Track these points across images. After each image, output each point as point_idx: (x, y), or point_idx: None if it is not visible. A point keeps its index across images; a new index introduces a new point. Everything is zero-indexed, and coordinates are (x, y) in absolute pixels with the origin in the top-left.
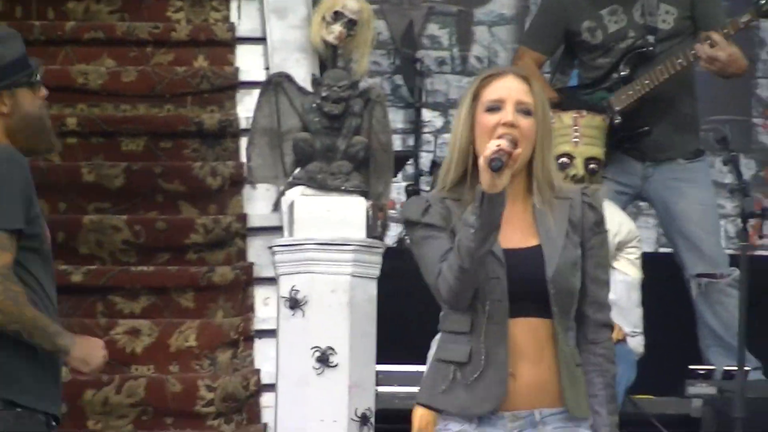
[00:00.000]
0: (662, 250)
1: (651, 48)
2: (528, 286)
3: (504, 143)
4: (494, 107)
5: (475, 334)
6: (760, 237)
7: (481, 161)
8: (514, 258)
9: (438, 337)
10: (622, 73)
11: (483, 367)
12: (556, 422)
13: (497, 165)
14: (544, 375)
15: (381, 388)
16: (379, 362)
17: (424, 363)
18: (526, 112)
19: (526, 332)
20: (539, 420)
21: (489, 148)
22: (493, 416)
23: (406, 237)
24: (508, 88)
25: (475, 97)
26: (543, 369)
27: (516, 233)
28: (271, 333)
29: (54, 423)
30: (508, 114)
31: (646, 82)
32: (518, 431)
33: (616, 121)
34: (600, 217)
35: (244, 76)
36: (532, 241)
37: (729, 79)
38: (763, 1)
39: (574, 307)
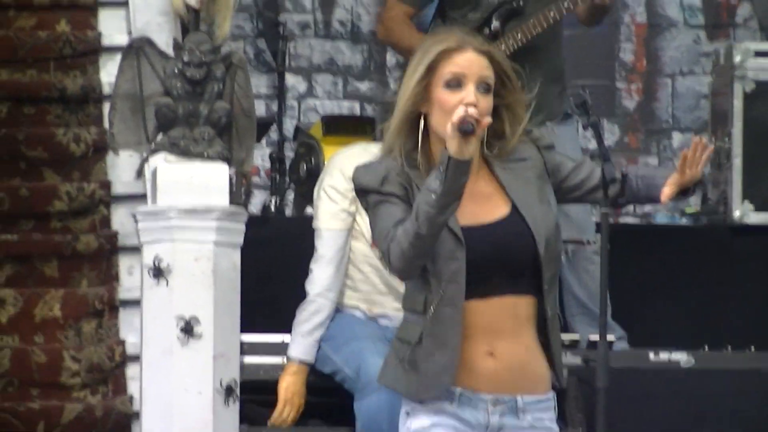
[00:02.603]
0: None
1: (521, 2)
2: (507, 262)
3: (472, 110)
4: (454, 83)
5: (428, 315)
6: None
7: (449, 127)
8: (488, 233)
9: (310, 306)
10: (492, 28)
11: (432, 350)
12: (536, 412)
13: (469, 128)
14: (524, 356)
15: (246, 358)
16: (243, 332)
17: (289, 332)
18: (486, 89)
19: (505, 311)
20: (521, 407)
21: (457, 113)
22: (473, 397)
23: (364, 204)
24: (470, 63)
25: (430, 69)
26: (522, 349)
27: (482, 208)
28: (136, 303)
29: None
30: (470, 94)
31: (519, 36)
32: (499, 415)
33: None
34: (551, 143)
35: (106, 41)
36: (501, 212)
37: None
38: None
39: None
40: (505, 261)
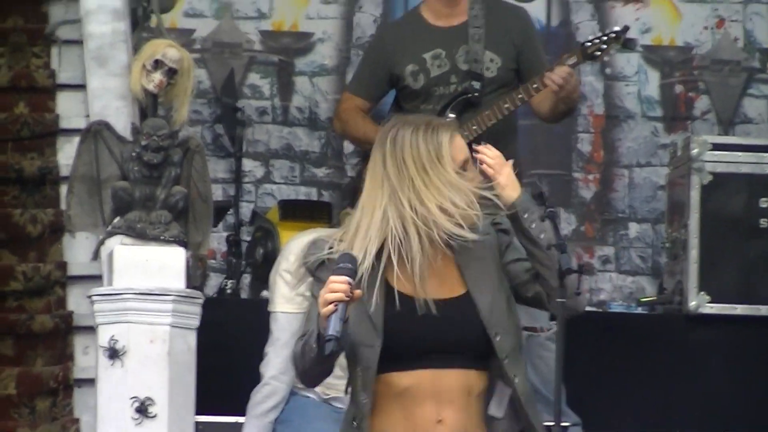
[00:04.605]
0: None
1: (476, 94)
2: (458, 339)
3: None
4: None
5: (357, 399)
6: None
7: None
8: (445, 308)
9: (264, 389)
10: (447, 120)
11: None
12: None
13: (331, 348)
14: (470, 424)
15: None
16: (198, 413)
17: (243, 414)
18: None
19: (453, 382)
20: None
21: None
22: None
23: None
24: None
25: None
26: (471, 416)
27: (438, 283)
28: (90, 382)
29: None
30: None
31: (474, 127)
32: None
33: None
34: (508, 226)
35: (64, 123)
36: (456, 291)
37: (555, 123)
38: (588, 44)
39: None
40: (452, 338)
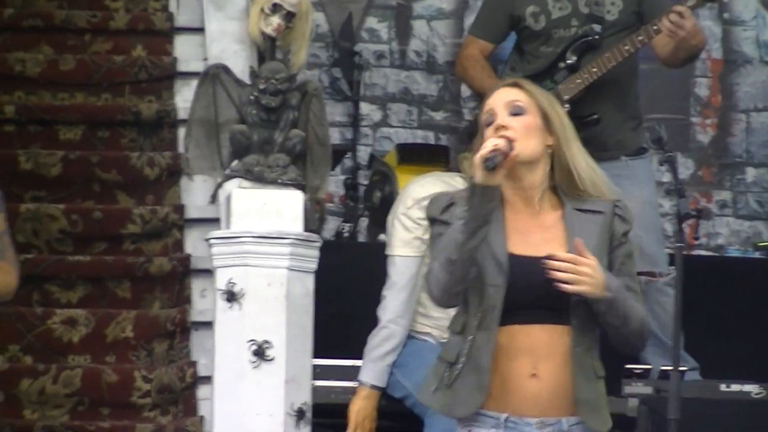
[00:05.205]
0: None
1: (597, 37)
2: (548, 295)
3: (501, 143)
4: (489, 120)
5: (465, 337)
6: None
7: (476, 159)
8: (536, 265)
9: (382, 332)
10: (568, 62)
11: (462, 370)
12: None
13: (490, 165)
14: (569, 381)
15: (318, 382)
16: (315, 357)
17: (360, 357)
18: (517, 113)
19: (548, 338)
20: (566, 429)
21: (485, 146)
22: (520, 421)
23: (431, 233)
24: (497, 96)
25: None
26: (567, 374)
27: (539, 240)
28: (208, 325)
29: None
30: (501, 119)
31: (594, 69)
32: None
33: (565, 109)
34: (629, 228)
35: (181, 67)
36: (555, 251)
37: (677, 68)
38: None
39: (595, 319)
40: (546, 294)
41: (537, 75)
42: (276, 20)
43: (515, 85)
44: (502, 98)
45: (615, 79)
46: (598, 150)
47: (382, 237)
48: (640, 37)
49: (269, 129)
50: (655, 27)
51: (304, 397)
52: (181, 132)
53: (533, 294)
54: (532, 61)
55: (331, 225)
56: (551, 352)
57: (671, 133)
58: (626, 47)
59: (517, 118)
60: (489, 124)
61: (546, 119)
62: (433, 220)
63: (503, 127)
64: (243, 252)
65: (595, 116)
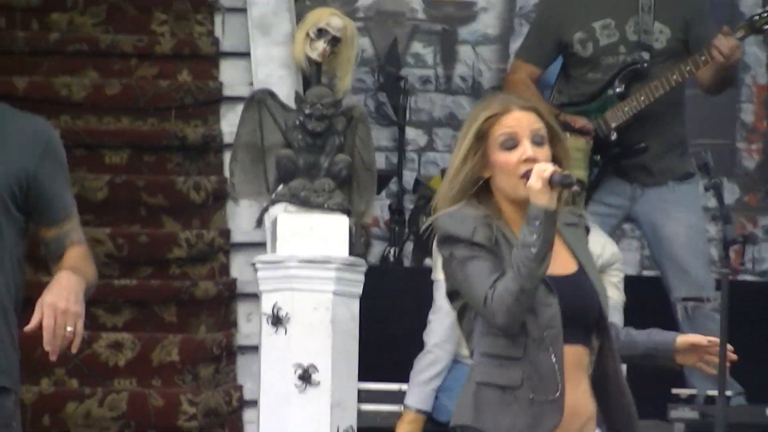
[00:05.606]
0: (645, 273)
1: (645, 65)
2: (577, 315)
3: (553, 167)
4: (509, 144)
5: (526, 359)
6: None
7: (536, 182)
8: (563, 285)
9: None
10: (617, 90)
11: (532, 394)
12: None
13: (569, 180)
14: (581, 399)
15: (363, 406)
16: (361, 381)
17: (406, 381)
18: (540, 142)
19: (570, 358)
20: None
21: (544, 168)
22: None
23: (449, 253)
24: (518, 121)
25: (480, 136)
26: (580, 393)
27: (554, 261)
28: (253, 349)
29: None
30: (527, 149)
31: (642, 98)
32: None
33: (613, 137)
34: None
35: (227, 91)
36: (571, 268)
37: (716, 95)
38: (756, 17)
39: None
40: (574, 314)
41: (584, 101)
42: (321, 45)
43: (534, 110)
44: (525, 125)
45: (662, 107)
46: (645, 176)
47: (427, 261)
48: (688, 68)
49: (315, 154)
50: (703, 57)
51: (349, 421)
52: (227, 156)
53: (566, 315)
54: (579, 87)
55: (377, 249)
56: (572, 372)
57: (717, 158)
58: (674, 77)
59: (541, 150)
60: (510, 148)
61: (553, 148)
62: (458, 240)
63: (533, 160)
64: (289, 276)
65: (643, 145)
